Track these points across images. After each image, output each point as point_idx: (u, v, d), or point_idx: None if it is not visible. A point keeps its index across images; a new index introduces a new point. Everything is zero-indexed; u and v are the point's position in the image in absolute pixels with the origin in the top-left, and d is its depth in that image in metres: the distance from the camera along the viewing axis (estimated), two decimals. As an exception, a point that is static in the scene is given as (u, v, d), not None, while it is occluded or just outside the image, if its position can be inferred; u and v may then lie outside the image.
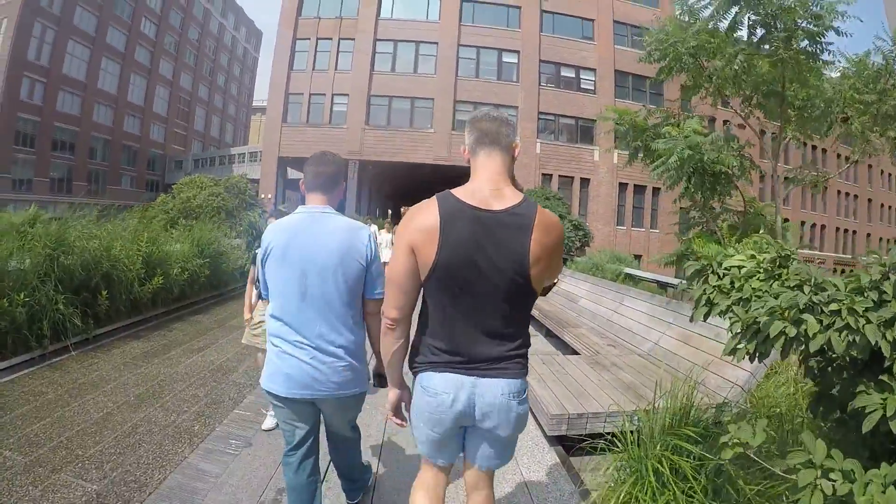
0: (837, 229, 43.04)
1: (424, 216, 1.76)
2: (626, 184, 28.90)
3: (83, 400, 4.63)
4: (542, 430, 4.06)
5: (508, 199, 1.78)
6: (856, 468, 1.70)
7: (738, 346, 2.22)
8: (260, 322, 4.12)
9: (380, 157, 27.73)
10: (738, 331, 2.22)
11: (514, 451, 2.05)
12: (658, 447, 2.86)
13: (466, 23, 29.40)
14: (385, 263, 2.06)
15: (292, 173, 32.58)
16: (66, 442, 3.79)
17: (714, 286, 2.47)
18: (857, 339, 1.82)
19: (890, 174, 47.27)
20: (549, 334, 7.78)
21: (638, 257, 23.55)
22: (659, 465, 2.73)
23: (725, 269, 2.52)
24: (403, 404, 2.08)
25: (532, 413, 4.23)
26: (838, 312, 1.92)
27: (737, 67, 5.46)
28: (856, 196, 45.00)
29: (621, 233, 28.71)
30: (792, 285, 2.16)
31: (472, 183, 1.83)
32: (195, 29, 58.35)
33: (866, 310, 1.85)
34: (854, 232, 44.89)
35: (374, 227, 12.52)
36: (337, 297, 2.28)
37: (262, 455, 3.74)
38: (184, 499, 3.12)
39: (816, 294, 2.03)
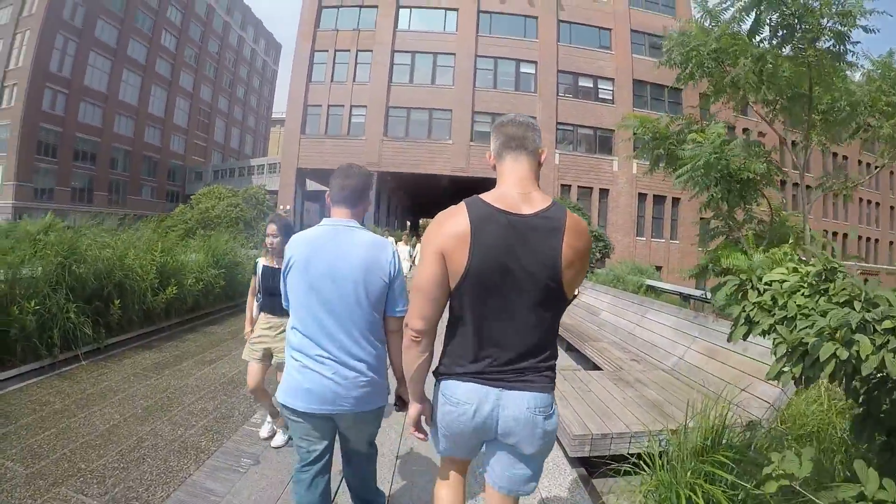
0: (860, 237, 41.94)
1: (454, 221, 1.72)
2: (646, 194, 28.54)
3: (90, 411, 4.55)
4: (564, 451, 3.85)
5: (538, 202, 1.74)
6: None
7: (784, 370, 2.01)
8: (261, 336, 3.92)
9: (398, 168, 27.70)
10: (783, 353, 2.01)
11: (540, 475, 1.92)
12: (689, 474, 2.66)
13: (484, 34, 29.41)
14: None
15: (311, 185, 32.72)
16: (69, 454, 3.70)
17: (754, 303, 2.25)
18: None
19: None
20: (569, 348, 7.56)
21: (658, 268, 23.15)
22: (692, 494, 2.52)
23: (766, 283, 2.30)
24: (423, 418, 2.00)
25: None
26: (893, 331, 1.73)
27: (769, 66, 5.25)
28: (878, 204, 43.92)
29: (641, 244, 28.30)
30: (840, 301, 1.96)
31: (500, 187, 1.80)
32: (215, 42, 59.32)
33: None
34: (877, 240, 43.82)
35: (391, 240, 12.47)
36: (359, 311, 2.23)
37: (270, 474, 3.59)
38: (186, 520, 2.99)
39: (868, 311, 1.83)
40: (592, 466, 3.77)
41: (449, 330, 1.86)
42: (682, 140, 6.05)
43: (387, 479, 3.57)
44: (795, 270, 2.25)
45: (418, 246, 16.57)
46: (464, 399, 1.77)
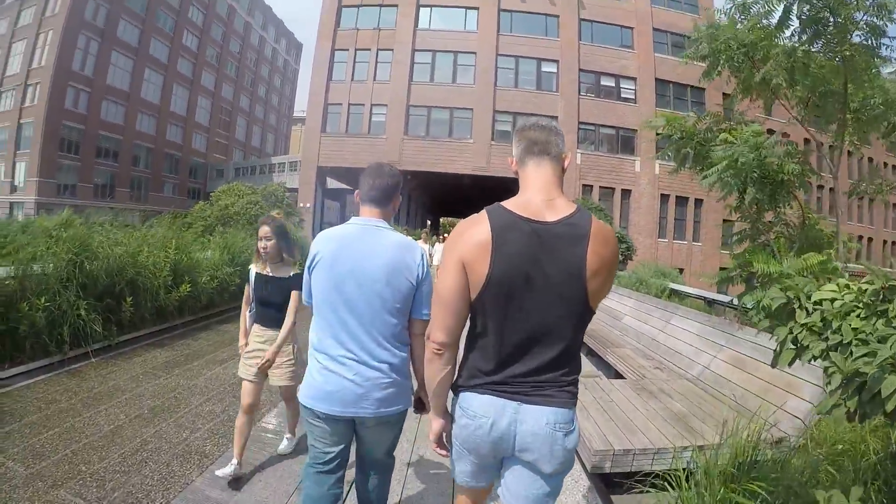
0: (885, 242, 40.67)
1: (475, 230, 1.66)
2: (668, 195, 28.10)
3: (95, 410, 4.49)
4: (584, 466, 3.65)
5: (562, 209, 1.67)
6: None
7: (837, 404, 1.77)
8: (255, 351, 3.57)
9: (419, 167, 27.54)
10: (838, 384, 1.77)
11: (559, 494, 1.80)
12: (717, 501, 2.45)
13: (505, 32, 29.20)
14: None
15: (331, 183, 32.78)
16: (70, 455, 3.64)
17: (802, 324, 2.01)
18: None
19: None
20: (590, 353, 7.34)
21: (680, 271, 22.71)
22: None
23: (815, 302, 2.05)
24: (445, 434, 1.92)
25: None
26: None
27: (801, 63, 4.98)
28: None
29: (663, 245, 27.87)
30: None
31: (523, 194, 1.73)
32: (236, 41, 59.90)
33: None
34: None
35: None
36: (385, 312, 2.19)
37: (274, 483, 3.45)
38: (182, 531, 2.86)
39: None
40: (612, 482, 3.58)
41: (468, 341, 1.78)
42: (709, 139, 5.80)
43: (396, 491, 3.37)
44: (848, 287, 1.98)
45: (437, 245, 16.50)
46: (480, 412, 1.69)
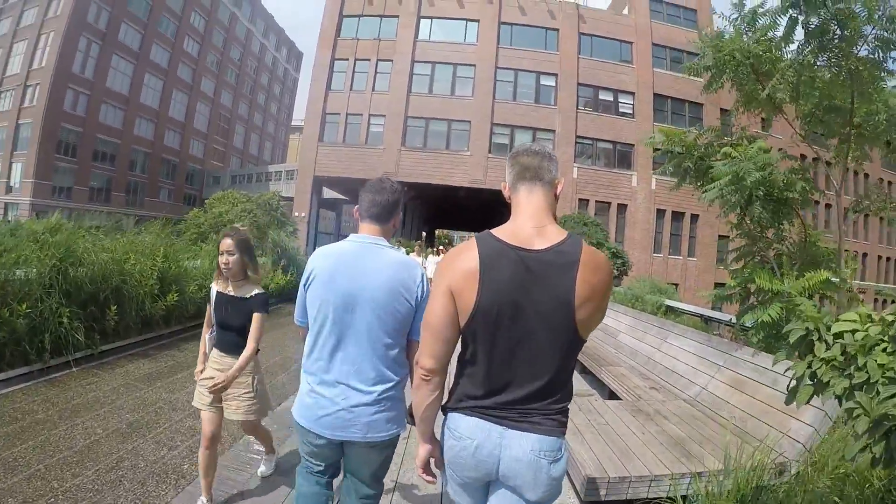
0: (879, 258, 40.79)
1: (463, 258, 1.66)
2: (664, 210, 28.13)
3: (73, 423, 4.34)
4: (577, 493, 3.49)
5: (552, 236, 1.65)
6: None
7: (863, 448, 1.62)
8: (211, 379, 3.12)
9: (415, 178, 27.36)
10: (865, 429, 1.62)
11: None
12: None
13: (504, 45, 29.28)
14: None
15: (327, 192, 32.64)
16: (44, 471, 3.50)
17: (822, 359, 1.86)
18: None
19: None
20: (584, 371, 7.18)
21: (675, 286, 22.63)
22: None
23: (835, 334, 1.90)
24: (433, 460, 1.90)
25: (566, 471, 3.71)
26: None
27: (807, 77, 4.92)
28: (897, 223, 42.68)
29: (658, 260, 27.85)
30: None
31: (514, 221, 1.72)
32: (237, 48, 60.05)
33: None
34: (897, 260, 42.64)
35: (402, 251, 12.30)
36: (381, 334, 2.14)
37: (256, 507, 3.28)
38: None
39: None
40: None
41: (459, 365, 1.78)
42: (709, 154, 5.72)
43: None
44: (871, 318, 1.83)
45: (430, 258, 16.37)
46: (466, 434, 1.69)
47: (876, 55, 5.05)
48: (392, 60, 29.33)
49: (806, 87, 5.21)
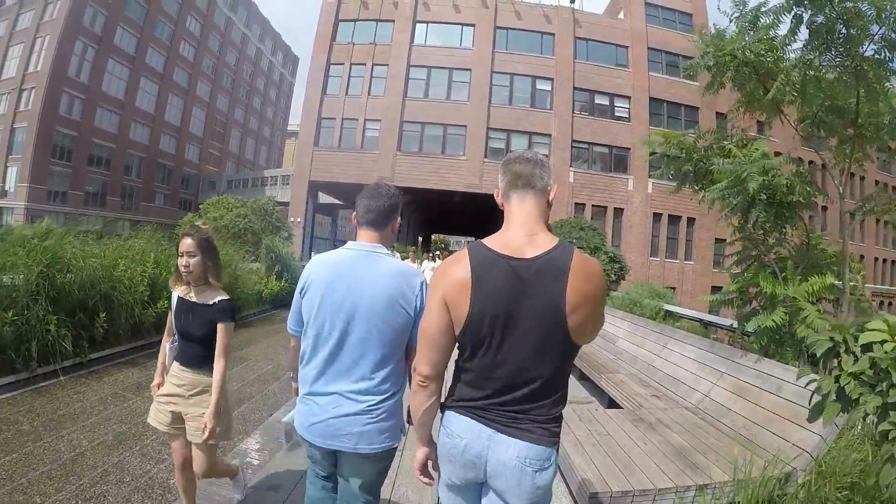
0: (876, 259, 40.96)
1: (455, 269, 1.69)
2: (661, 214, 28.13)
3: (58, 435, 4.22)
4: (577, 505, 3.38)
5: (543, 244, 1.67)
6: None
7: None
8: (170, 395, 2.84)
9: (411, 183, 27.28)
10: None
11: None
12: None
13: (500, 49, 29.30)
14: None
15: (323, 197, 32.54)
16: (26, 485, 3.39)
17: (850, 373, 1.73)
18: None
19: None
20: (582, 377, 7.07)
21: (672, 290, 22.58)
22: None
23: (863, 345, 1.78)
24: (431, 462, 1.93)
25: (567, 484, 3.61)
26: None
27: (811, 77, 4.83)
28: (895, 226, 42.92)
29: (655, 264, 27.81)
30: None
31: (506, 231, 1.75)
32: (233, 53, 59.96)
33: None
34: (893, 262, 42.68)
35: (397, 257, 12.26)
36: (378, 343, 2.11)
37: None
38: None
39: None
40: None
41: (455, 369, 1.81)
42: (710, 156, 5.63)
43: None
44: None
45: (426, 263, 16.27)
46: (458, 432, 1.73)
47: (882, 55, 4.97)
48: (388, 65, 29.35)
49: (811, 88, 5.12)
